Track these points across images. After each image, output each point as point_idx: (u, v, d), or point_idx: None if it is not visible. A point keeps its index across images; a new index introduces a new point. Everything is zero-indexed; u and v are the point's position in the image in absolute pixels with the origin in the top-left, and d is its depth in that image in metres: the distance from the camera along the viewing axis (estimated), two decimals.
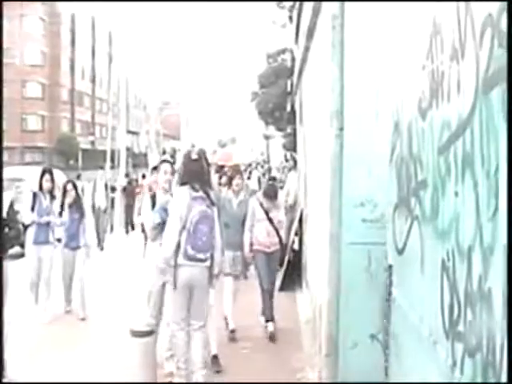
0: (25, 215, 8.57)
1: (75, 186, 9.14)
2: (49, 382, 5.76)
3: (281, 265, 10.04)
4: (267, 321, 7.87)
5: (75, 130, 68.09)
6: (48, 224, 8.77)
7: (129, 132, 57.45)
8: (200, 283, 5.47)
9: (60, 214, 8.86)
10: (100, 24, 72.64)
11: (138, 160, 59.00)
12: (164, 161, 6.86)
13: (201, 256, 5.41)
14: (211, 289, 5.87)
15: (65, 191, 8.96)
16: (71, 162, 52.03)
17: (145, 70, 75.63)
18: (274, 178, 18.10)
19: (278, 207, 8.48)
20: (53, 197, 8.95)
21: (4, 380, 5.35)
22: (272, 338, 7.61)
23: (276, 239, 8.16)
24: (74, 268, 8.96)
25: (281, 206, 8.89)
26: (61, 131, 64.16)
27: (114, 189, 20.99)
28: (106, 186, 18.75)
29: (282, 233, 8.52)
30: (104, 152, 45.28)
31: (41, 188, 8.87)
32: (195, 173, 5.62)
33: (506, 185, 1.79)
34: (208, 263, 5.52)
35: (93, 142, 64.20)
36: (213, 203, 5.65)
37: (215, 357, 6.41)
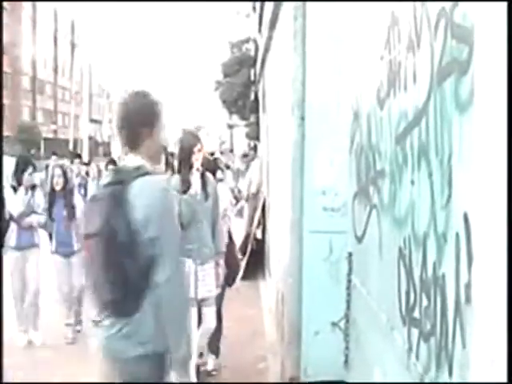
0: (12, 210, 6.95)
1: (65, 173, 7.15)
2: (49, 381, 5.69)
3: (244, 253, 10.07)
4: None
5: (37, 118, 67.12)
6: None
7: (92, 121, 56.88)
8: None
9: (49, 210, 7.10)
10: (62, 12, 71.60)
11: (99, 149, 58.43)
12: None
13: None
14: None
15: (51, 179, 7.14)
16: (33, 151, 51.38)
17: (108, 58, 74.79)
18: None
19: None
20: (34, 189, 7.19)
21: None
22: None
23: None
24: (69, 280, 7.21)
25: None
26: (22, 120, 63.19)
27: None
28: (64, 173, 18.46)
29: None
30: (66, 141, 44.80)
31: (19, 182, 7.04)
32: None
33: (459, 173, 1.84)
34: None
35: (55, 131, 63.40)
36: None
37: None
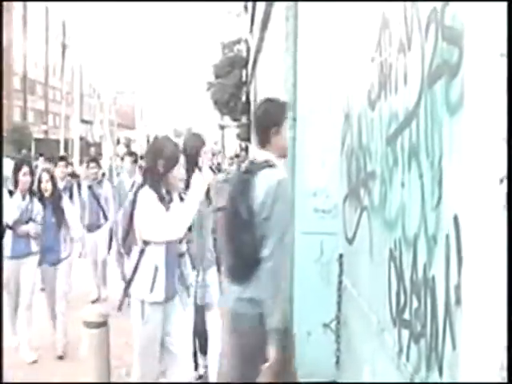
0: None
1: (52, 177, 6.79)
2: (49, 382, 5.65)
3: None
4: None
5: (28, 118, 66.87)
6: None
7: (83, 121, 56.70)
8: None
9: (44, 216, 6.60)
10: (53, 12, 71.39)
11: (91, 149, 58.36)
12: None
13: None
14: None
15: (39, 184, 6.65)
16: (24, 151, 51.26)
17: (99, 58, 74.64)
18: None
19: None
20: (32, 195, 6.60)
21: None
22: None
23: None
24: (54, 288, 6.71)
25: None
26: (13, 120, 62.96)
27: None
28: (52, 177, 17.65)
29: None
30: (57, 141, 44.63)
31: (16, 185, 6.50)
32: None
33: (449, 174, 1.84)
34: None
35: (46, 132, 63.19)
36: None
37: None
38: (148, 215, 4.14)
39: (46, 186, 6.57)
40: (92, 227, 8.53)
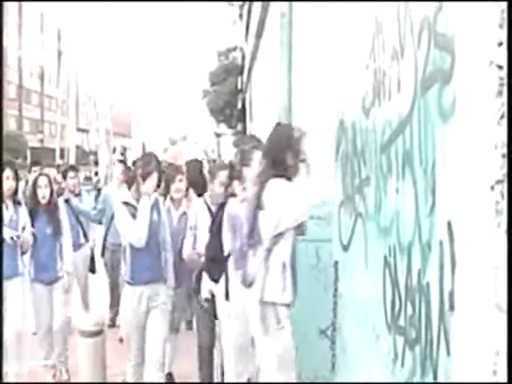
0: None
1: (51, 183, 5.94)
2: (49, 382, 5.62)
3: None
4: None
5: (23, 127, 66.79)
6: (15, 246, 5.45)
7: (78, 130, 56.67)
8: None
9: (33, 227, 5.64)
10: (48, 20, 71.41)
11: (87, 158, 58.32)
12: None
13: None
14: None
15: (34, 189, 5.84)
16: (19, 160, 51.19)
17: (95, 66, 74.63)
18: None
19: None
20: (17, 204, 5.65)
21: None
22: None
23: None
24: (51, 311, 5.79)
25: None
26: (8, 129, 62.85)
27: None
28: (50, 183, 15.54)
29: None
30: (53, 150, 44.57)
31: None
32: None
33: (443, 181, 1.85)
34: None
35: (42, 140, 63.11)
36: None
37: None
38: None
39: (44, 193, 5.78)
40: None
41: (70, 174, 7.47)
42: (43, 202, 5.73)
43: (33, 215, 5.66)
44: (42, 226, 5.72)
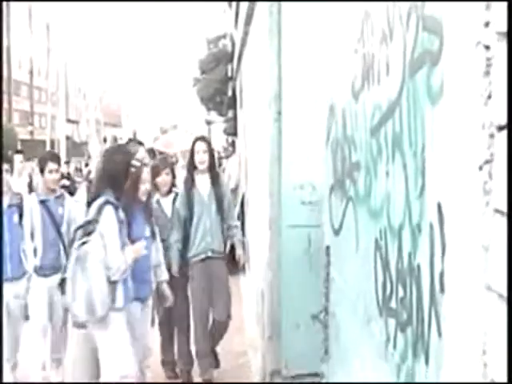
0: None
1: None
2: (49, 382, 5.62)
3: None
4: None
5: (13, 120, 66.38)
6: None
7: (69, 121, 56.44)
8: None
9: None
10: (37, 12, 70.88)
11: (78, 149, 58.10)
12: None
13: None
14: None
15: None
16: (9, 152, 50.96)
17: (84, 57, 74.25)
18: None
19: None
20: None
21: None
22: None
23: None
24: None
25: None
26: None
27: None
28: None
29: None
30: (43, 142, 44.41)
31: None
32: None
33: (432, 163, 1.85)
34: None
35: (32, 132, 62.80)
36: None
37: None
38: None
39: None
40: (46, 269, 5.42)
41: (50, 165, 5.58)
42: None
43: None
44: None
